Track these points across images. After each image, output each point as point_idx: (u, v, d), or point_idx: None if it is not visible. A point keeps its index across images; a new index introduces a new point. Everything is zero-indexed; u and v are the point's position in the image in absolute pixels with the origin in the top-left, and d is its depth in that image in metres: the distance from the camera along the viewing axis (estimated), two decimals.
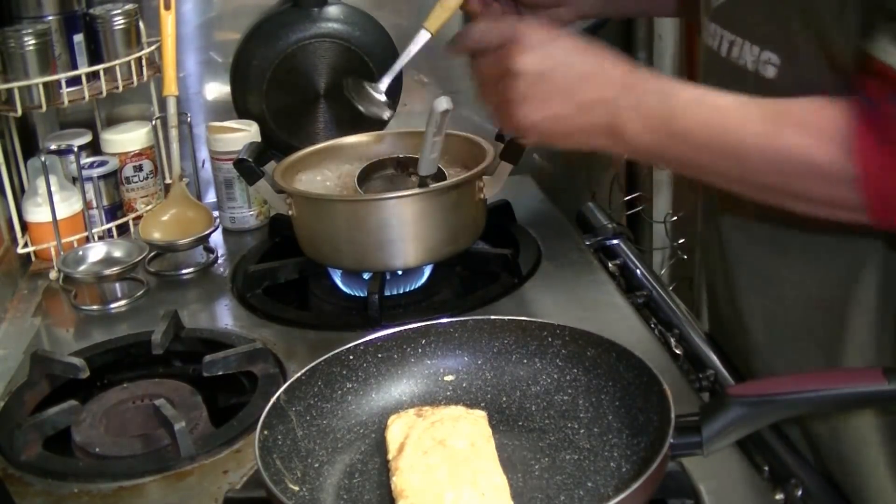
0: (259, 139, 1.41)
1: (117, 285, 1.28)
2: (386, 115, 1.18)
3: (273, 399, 0.81)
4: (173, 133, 1.41)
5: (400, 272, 1.22)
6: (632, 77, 0.84)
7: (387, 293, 1.20)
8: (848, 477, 0.90)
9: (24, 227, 1.38)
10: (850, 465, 0.90)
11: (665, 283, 1.30)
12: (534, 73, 0.84)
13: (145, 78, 1.42)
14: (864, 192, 0.72)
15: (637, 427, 0.79)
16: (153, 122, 1.46)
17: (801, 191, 0.77)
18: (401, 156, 1.28)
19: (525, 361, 0.89)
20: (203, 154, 1.59)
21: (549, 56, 0.85)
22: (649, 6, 1.29)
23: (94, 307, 1.26)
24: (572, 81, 0.84)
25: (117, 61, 1.37)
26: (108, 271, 1.24)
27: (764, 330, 0.96)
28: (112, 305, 1.26)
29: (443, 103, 1.12)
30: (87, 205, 1.37)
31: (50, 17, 1.32)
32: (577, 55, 0.85)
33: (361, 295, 1.22)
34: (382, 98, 1.14)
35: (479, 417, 0.83)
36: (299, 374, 0.84)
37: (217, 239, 1.44)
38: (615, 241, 1.39)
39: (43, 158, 1.31)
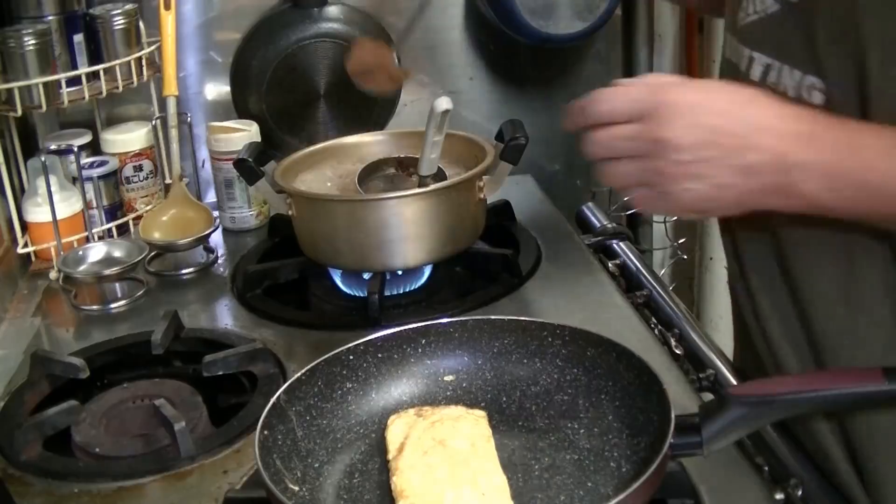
0: (259, 139, 1.41)
1: (117, 285, 1.28)
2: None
3: (273, 399, 0.81)
4: (173, 133, 1.41)
5: (400, 272, 1.22)
6: (807, 128, 0.74)
7: (387, 293, 1.20)
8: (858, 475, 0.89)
9: (24, 227, 1.38)
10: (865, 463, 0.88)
11: (665, 283, 1.30)
12: (688, 144, 0.74)
13: (145, 78, 1.42)
14: None
15: (637, 427, 0.79)
16: (153, 122, 1.45)
17: None
18: (401, 156, 1.28)
19: (525, 361, 0.89)
20: (203, 154, 1.59)
21: (702, 120, 0.75)
22: None
23: (94, 307, 1.26)
24: (734, 144, 0.74)
25: (117, 61, 1.37)
26: (108, 271, 1.25)
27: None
28: (112, 305, 1.26)
29: (443, 103, 1.12)
30: (87, 205, 1.37)
31: (50, 17, 1.32)
32: (736, 111, 0.75)
33: (361, 295, 1.22)
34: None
35: (479, 417, 0.83)
36: (299, 374, 0.84)
37: (217, 239, 1.44)
38: (615, 241, 1.39)
39: (43, 158, 1.31)
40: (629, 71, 1.78)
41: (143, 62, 1.41)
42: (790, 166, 0.73)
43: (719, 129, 0.74)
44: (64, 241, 1.33)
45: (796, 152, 0.73)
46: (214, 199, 1.48)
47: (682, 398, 0.93)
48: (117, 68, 1.36)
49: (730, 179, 0.75)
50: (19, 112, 1.29)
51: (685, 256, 1.82)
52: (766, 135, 0.74)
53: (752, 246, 0.94)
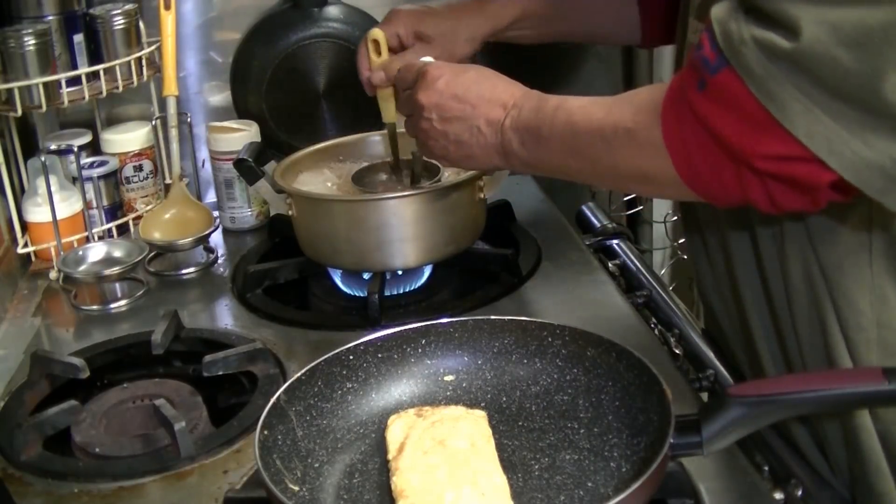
0: (259, 139, 1.41)
1: (117, 285, 1.28)
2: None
3: (273, 399, 0.81)
4: (173, 133, 1.41)
5: (400, 272, 1.22)
6: (519, 97, 0.92)
7: (387, 293, 1.20)
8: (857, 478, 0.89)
9: (24, 227, 1.37)
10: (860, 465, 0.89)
11: (665, 283, 1.30)
12: (434, 106, 0.96)
13: (145, 78, 1.41)
14: (672, 161, 0.75)
15: (637, 427, 0.79)
16: (153, 122, 1.45)
17: (630, 166, 0.81)
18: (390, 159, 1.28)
19: (525, 361, 0.89)
20: (203, 154, 1.59)
21: (446, 89, 0.96)
22: (588, 28, 1.28)
23: (94, 307, 1.26)
24: (466, 109, 0.94)
25: (117, 61, 1.36)
26: (108, 271, 1.24)
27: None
28: (112, 305, 1.26)
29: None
30: (87, 205, 1.37)
31: (50, 17, 1.31)
32: (473, 84, 0.95)
33: (361, 295, 1.22)
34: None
35: (479, 417, 0.83)
36: (299, 374, 0.84)
37: (217, 239, 1.44)
38: (615, 241, 1.39)
39: (43, 158, 1.31)
40: (629, 70, 1.78)
41: (143, 62, 1.41)
42: (503, 128, 0.92)
43: (459, 97, 0.95)
44: (64, 241, 1.33)
45: (508, 117, 0.91)
46: (214, 199, 1.48)
47: (682, 398, 0.93)
48: (117, 68, 1.36)
49: (465, 138, 0.95)
50: (19, 112, 1.29)
51: (685, 256, 1.82)
52: (491, 105, 0.93)
53: (738, 244, 0.95)
